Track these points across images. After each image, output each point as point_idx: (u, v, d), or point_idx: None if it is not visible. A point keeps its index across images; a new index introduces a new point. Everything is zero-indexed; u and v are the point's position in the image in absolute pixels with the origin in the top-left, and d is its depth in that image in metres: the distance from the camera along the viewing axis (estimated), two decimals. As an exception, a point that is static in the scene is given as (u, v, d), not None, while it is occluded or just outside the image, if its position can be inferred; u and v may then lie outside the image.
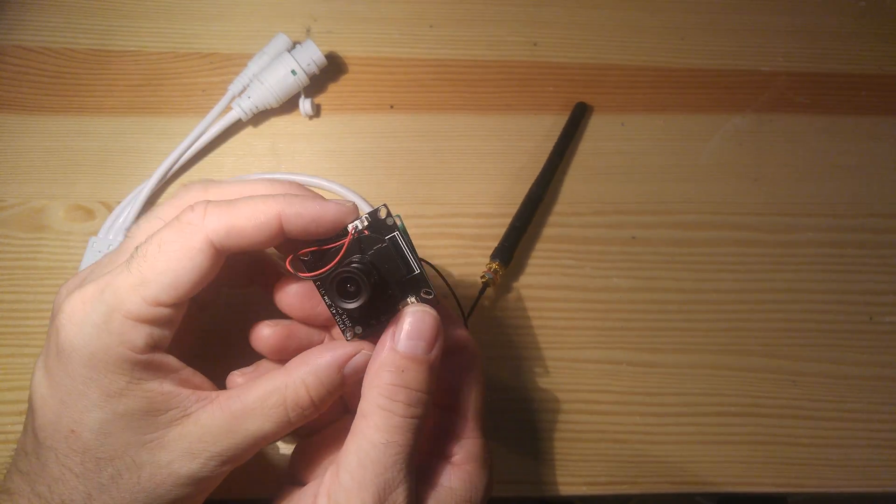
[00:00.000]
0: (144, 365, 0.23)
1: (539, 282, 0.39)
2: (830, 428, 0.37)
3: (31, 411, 0.24)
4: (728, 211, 0.41)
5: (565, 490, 0.35)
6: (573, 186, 0.41)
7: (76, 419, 0.23)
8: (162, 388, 0.23)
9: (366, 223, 0.25)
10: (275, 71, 0.39)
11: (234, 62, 0.42)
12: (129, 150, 0.40)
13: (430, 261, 0.38)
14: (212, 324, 0.36)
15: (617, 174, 0.42)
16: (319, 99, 0.42)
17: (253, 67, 0.40)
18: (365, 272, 0.24)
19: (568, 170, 0.42)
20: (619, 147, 0.42)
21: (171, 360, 0.24)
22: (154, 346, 0.23)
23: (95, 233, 0.38)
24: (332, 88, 0.43)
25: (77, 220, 0.38)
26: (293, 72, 0.39)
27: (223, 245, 0.23)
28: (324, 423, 0.29)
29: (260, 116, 0.41)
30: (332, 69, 0.42)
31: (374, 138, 0.41)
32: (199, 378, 0.25)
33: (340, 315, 0.25)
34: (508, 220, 0.39)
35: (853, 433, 0.37)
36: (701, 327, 0.39)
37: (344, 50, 0.43)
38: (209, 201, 0.24)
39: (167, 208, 0.26)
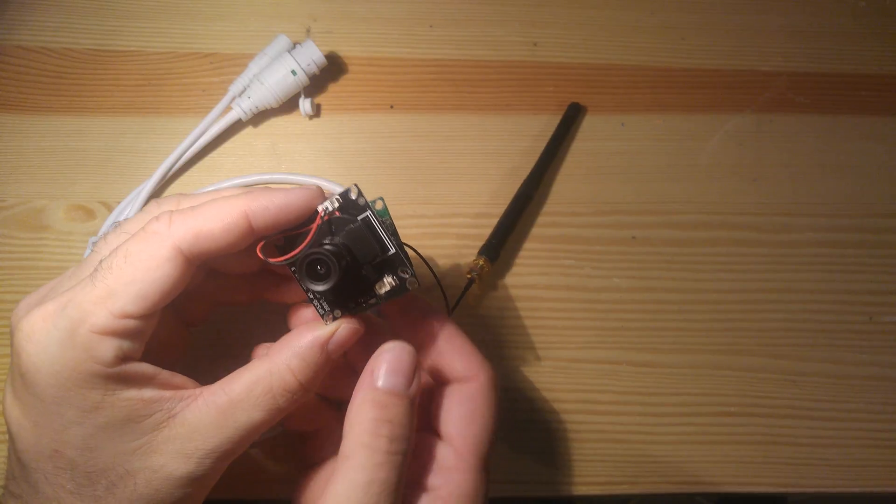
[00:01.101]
0: (117, 377, 0.22)
1: (539, 282, 0.39)
2: (830, 428, 0.37)
3: (10, 437, 0.24)
4: (728, 211, 0.41)
5: (565, 490, 0.36)
6: (573, 186, 0.41)
7: (56, 439, 0.22)
8: (141, 395, 0.23)
9: (336, 205, 0.24)
10: (275, 71, 0.39)
11: (235, 62, 0.42)
12: (130, 150, 0.40)
13: (430, 261, 0.38)
14: (216, 324, 0.36)
15: (617, 174, 0.42)
16: (319, 99, 0.42)
17: (253, 68, 0.40)
18: (335, 254, 0.23)
19: (568, 170, 0.42)
20: (618, 147, 0.42)
21: (146, 368, 0.23)
22: (125, 358, 0.23)
23: (96, 233, 0.38)
24: (332, 88, 0.43)
25: (77, 221, 0.38)
26: (293, 72, 0.39)
27: (192, 251, 0.23)
28: (326, 454, 0.29)
29: (260, 116, 0.41)
30: (332, 69, 0.42)
31: (374, 138, 0.41)
32: (179, 378, 0.25)
33: (318, 300, 0.25)
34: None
35: (853, 433, 0.37)
36: (700, 327, 0.39)
37: (344, 50, 0.43)
38: (174, 210, 0.24)
39: (134, 222, 0.25)
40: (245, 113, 0.39)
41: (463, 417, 0.27)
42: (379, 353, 0.25)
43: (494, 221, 0.40)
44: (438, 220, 0.40)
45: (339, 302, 0.25)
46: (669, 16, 0.46)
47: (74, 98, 0.41)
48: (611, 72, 0.44)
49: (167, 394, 0.23)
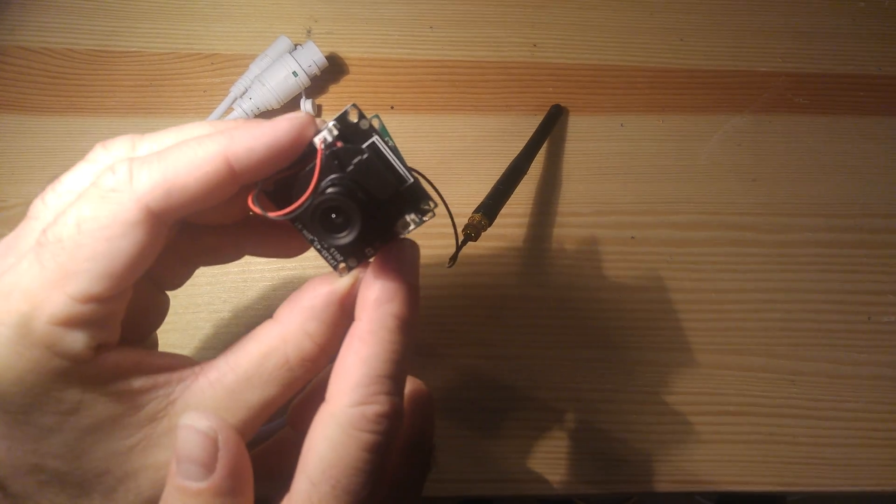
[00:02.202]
0: (94, 371, 0.19)
1: (538, 281, 0.39)
2: (829, 427, 0.37)
3: None
4: (727, 211, 0.41)
5: (565, 489, 0.36)
6: (572, 187, 0.41)
7: (34, 451, 0.19)
8: (130, 385, 0.19)
9: (335, 133, 0.20)
10: (276, 72, 0.39)
11: (236, 63, 0.42)
12: (131, 150, 0.40)
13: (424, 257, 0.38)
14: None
15: (616, 174, 0.42)
16: (320, 100, 0.42)
17: (255, 69, 0.40)
18: (349, 195, 0.19)
19: (567, 170, 0.42)
20: (618, 147, 0.43)
21: (128, 353, 0.20)
22: (99, 348, 0.19)
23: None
24: (333, 89, 0.43)
25: (79, 221, 0.39)
26: (294, 73, 0.39)
27: (164, 210, 0.19)
28: (262, 435, 0.26)
29: (261, 117, 0.41)
30: (332, 70, 0.42)
31: (375, 139, 0.42)
32: (169, 358, 0.21)
33: (329, 250, 0.21)
34: (508, 220, 0.40)
35: (851, 432, 0.37)
36: (699, 327, 0.39)
37: (345, 51, 0.43)
38: (133, 158, 0.19)
39: (78, 175, 0.20)
40: (246, 114, 0.39)
41: (299, 463, 0.20)
42: (177, 430, 0.19)
43: (495, 221, 0.40)
44: (438, 221, 0.40)
45: (352, 251, 0.21)
46: (668, 17, 0.46)
47: (76, 98, 0.41)
48: (610, 72, 0.44)
49: (160, 378, 0.20)
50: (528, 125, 0.42)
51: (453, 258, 0.32)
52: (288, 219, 0.19)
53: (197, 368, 0.21)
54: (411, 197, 0.21)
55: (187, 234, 0.23)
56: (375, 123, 0.21)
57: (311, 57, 0.39)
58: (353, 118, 0.20)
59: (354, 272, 0.21)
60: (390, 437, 0.20)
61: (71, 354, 0.18)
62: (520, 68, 0.44)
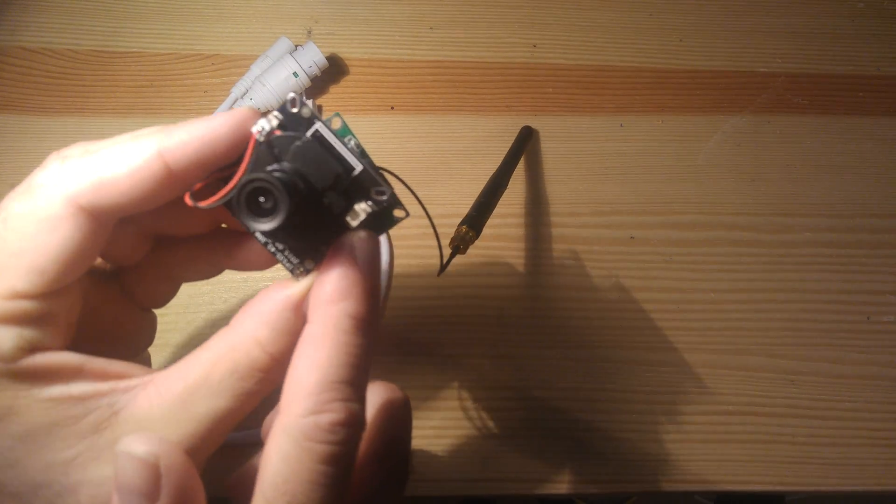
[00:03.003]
0: (26, 373, 0.18)
1: (538, 282, 0.39)
2: (828, 427, 0.37)
3: None
4: (726, 211, 0.41)
5: (565, 488, 0.36)
6: (572, 187, 0.41)
7: None
8: (69, 390, 0.18)
9: (275, 122, 0.19)
10: (276, 73, 0.39)
11: (237, 63, 0.42)
12: (132, 150, 0.40)
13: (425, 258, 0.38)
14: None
15: (615, 174, 0.42)
16: (321, 100, 0.42)
17: (255, 70, 0.40)
18: (282, 180, 0.18)
19: (567, 170, 0.42)
20: (617, 148, 0.43)
21: (67, 357, 0.19)
22: (31, 349, 0.18)
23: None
24: (334, 90, 0.43)
25: (79, 221, 0.39)
26: (295, 74, 0.39)
27: (96, 205, 0.18)
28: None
29: (261, 117, 0.41)
30: (333, 71, 0.42)
31: (375, 139, 0.42)
32: (118, 366, 0.19)
33: (282, 252, 0.20)
34: (508, 220, 0.40)
35: (851, 432, 0.37)
36: (699, 326, 0.39)
37: (345, 51, 0.43)
38: (66, 154, 0.19)
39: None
40: (246, 114, 0.39)
41: (259, 481, 0.19)
42: (115, 458, 0.18)
43: (495, 221, 0.40)
44: (438, 221, 0.40)
45: (309, 250, 0.20)
46: (668, 17, 0.46)
47: (76, 99, 0.41)
48: (610, 73, 0.44)
49: (104, 386, 0.19)
50: (528, 125, 0.43)
51: (442, 268, 0.31)
52: (217, 206, 0.18)
53: (147, 378, 0.19)
54: (363, 186, 0.20)
55: (162, 247, 0.23)
56: (337, 123, 0.20)
57: (312, 57, 0.39)
58: (294, 108, 0.19)
59: (312, 275, 0.20)
60: (350, 446, 0.18)
61: None
62: (520, 68, 0.44)
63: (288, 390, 0.18)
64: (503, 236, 0.40)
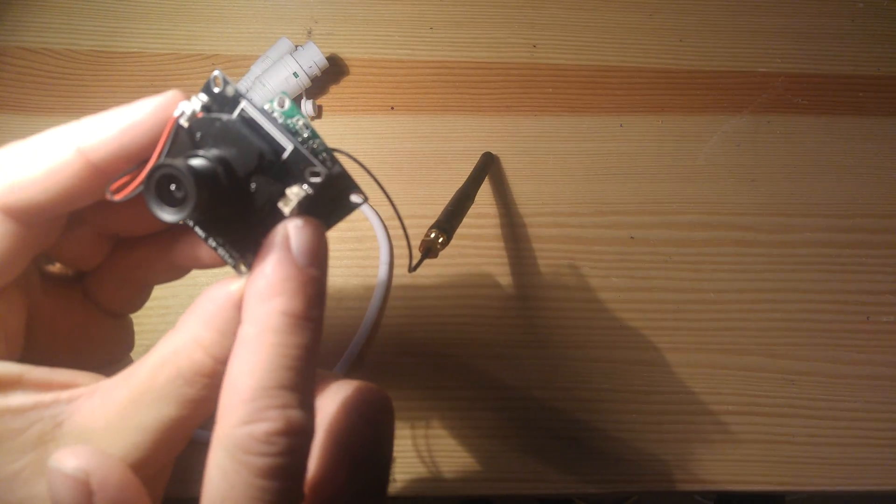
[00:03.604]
0: None
1: (538, 282, 0.39)
2: (827, 426, 0.37)
3: None
4: (726, 211, 0.41)
5: (565, 488, 0.36)
6: (572, 187, 0.41)
7: None
8: (7, 402, 0.17)
9: (199, 105, 0.17)
10: (277, 73, 0.39)
11: (237, 63, 0.42)
12: (132, 150, 0.40)
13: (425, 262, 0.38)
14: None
15: (615, 175, 0.42)
16: (321, 100, 0.42)
17: (256, 71, 0.40)
18: (194, 167, 0.16)
19: (567, 170, 0.42)
20: (617, 148, 0.43)
21: (6, 367, 0.18)
22: None
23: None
24: (334, 90, 0.43)
25: (80, 221, 0.39)
26: (295, 74, 0.39)
27: (12, 206, 0.17)
28: None
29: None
30: (333, 71, 0.42)
31: (375, 139, 0.42)
32: (63, 374, 0.18)
33: (222, 245, 0.18)
34: (507, 220, 0.40)
35: (850, 432, 0.37)
36: (698, 326, 0.39)
37: (345, 52, 0.44)
38: None
39: None
40: (246, 114, 0.39)
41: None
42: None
43: (495, 221, 0.40)
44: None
45: (249, 243, 0.18)
46: (668, 18, 0.46)
47: (76, 99, 0.41)
48: (609, 73, 0.45)
49: (46, 397, 0.17)
50: (528, 125, 0.43)
51: (414, 266, 0.29)
52: (127, 199, 0.17)
53: (94, 386, 0.18)
54: (297, 168, 0.17)
55: (122, 248, 0.22)
56: (285, 104, 0.18)
57: (312, 58, 0.39)
58: (217, 87, 0.17)
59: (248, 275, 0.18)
60: (294, 457, 0.16)
61: None
62: (520, 69, 0.44)
63: (223, 399, 0.17)
64: (503, 236, 0.40)
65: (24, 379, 0.18)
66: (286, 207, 0.17)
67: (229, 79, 0.17)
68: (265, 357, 0.16)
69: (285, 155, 0.17)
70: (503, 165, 0.42)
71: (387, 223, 0.40)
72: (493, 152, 0.42)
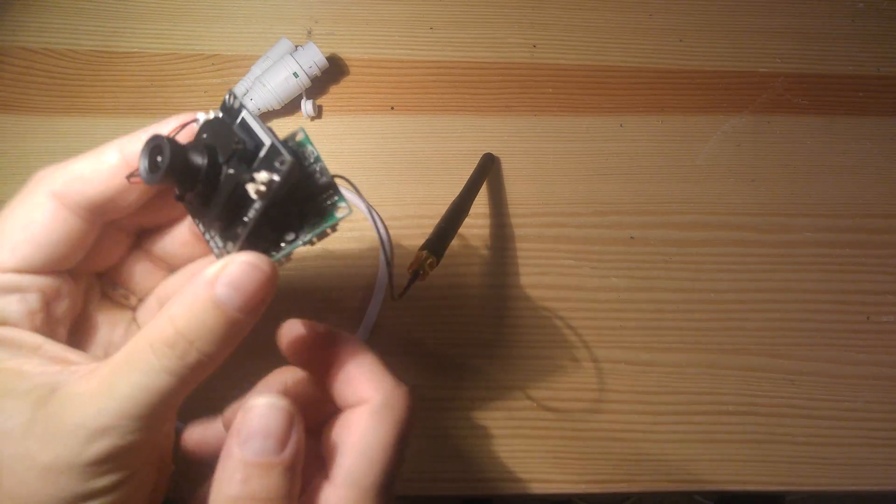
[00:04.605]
0: None
1: (538, 282, 0.39)
2: (828, 427, 0.37)
3: None
4: (726, 211, 0.41)
5: (564, 488, 0.36)
6: (572, 187, 0.41)
7: None
8: (21, 364, 0.20)
9: (212, 115, 0.21)
10: (277, 73, 0.39)
11: (237, 63, 0.42)
12: (132, 150, 0.40)
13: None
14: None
15: (615, 174, 0.42)
16: (321, 100, 0.42)
17: (256, 71, 0.40)
18: (174, 142, 0.19)
19: (567, 170, 0.42)
20: (617, 148, 0.43)
21: (28, 336, 0.20)
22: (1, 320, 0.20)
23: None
24: (334, 90, 0.43)
25: (80, 221, 0.39)
26: (295, 74, 0.39)
27: (67, 195, 0.21)
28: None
29: (263, 118, 0.41)
30: (333, 71, 0.42)
31: (376, 139, 0.42)
32: (75, 354, 0.21)
33: (210, 235, 0.21)
34: (507, 220, 0.40)
35: (850, 432, 0.37)
36: (699, 327, 0.39)
37: (345, 52, 0.44)
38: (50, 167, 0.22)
39: None
40: (247, 114, 0.39)
41: (344, 453, 0.22)
42: (243, 412, 0.20)
43: (495, 221, 0.40)
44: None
45: (230, 234, 0.21)
46: (668, 18, 0.46)
47: (76, 99, 0.41)
48: (609, 73, 0.45)
49: (54, 368, 0.20)
50: (528, 126, 0.43)
51: (401, 294, 0.29)
52: (134, 177, 0.21)
53: (94, 364, 0.20)
54: (270, 160, 0.19)
55: (139, 248, 0.26)
56: (299, 136, 0.21)
57: (312, 58, 0.39)
58: (230, 101, 0.21)
59: (225, 258, 0.19)
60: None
61: None
62: (520, 69, 0.44)
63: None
64: (503, 236, 0.40)
65: (43, 349, 0.20)
66: (253, 190, 0.19)
67: (238, 96, 0.21)
68: (369, 356, 0.23)
69: (263, 151, 0.19)
70: (503, 165, 0.42)
71: (387, 223, 0.40)
72: (494, 153, 0.42)
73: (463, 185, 0.36)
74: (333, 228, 0.21)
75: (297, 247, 0.21)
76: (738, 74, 0.45)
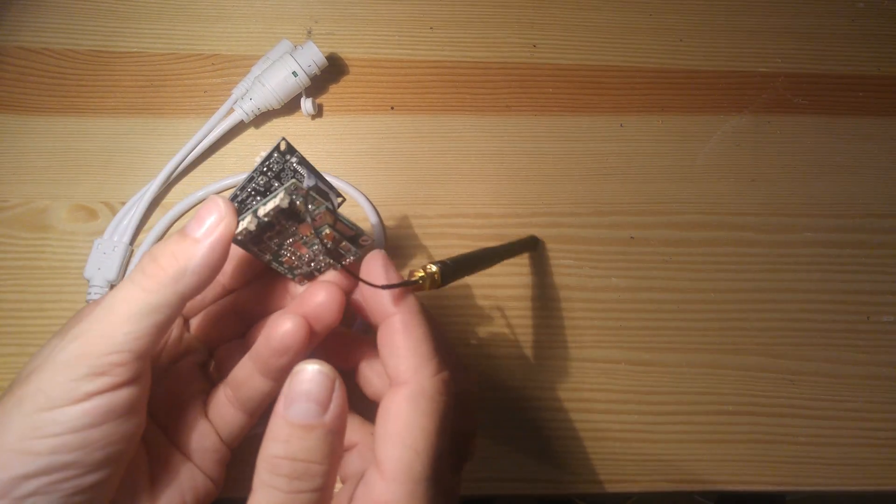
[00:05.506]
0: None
1: (537, 281, 0.39)
2: (828, 427, 0.37)
3: None
4: (726, 211, 0.41)
5: (564, 488, 0.36)
6: (572, 187, 0.41)
7: None
8: None
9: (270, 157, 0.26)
10: (276, 72, 0.39)
11: (237, 63, 0.42)
12: (132, 150, 0.40)
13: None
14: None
15: (615, 175, 0.42)
16: (321, 100, 0.42)
17: (256, 71, 0.40)
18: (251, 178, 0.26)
19: (567, 170, 0.42)
20: (617, 148, 0.43)
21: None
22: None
23: (98, 233, 0.38)
24: (334, 90, 0.43)
25: (80, 221, 0.39)
26: (294, 73, 0.39)
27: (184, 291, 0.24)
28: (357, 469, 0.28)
29: (262, 118, 0.41)
30: (333, 70, 0.42)
31: (375, 139, 0.42)
32: None
33: (274, 262, 0.28)
34: (508, 220, 0.40)
35: (851, 432, 0.37)
36: (699, 327, 0.39)
37: (345, 51, 0.43)
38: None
39: None
40: (247, 114, 0.39)
41: (386, 434, 0.22)
42: (291, 375, 0.21)
43: (495, 222, 0.40)
44: (439, 221, 0.40)
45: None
46: (668, 17, 0.46)
47: (76, 99, 0.41)
48: (609, 73, 0.44)
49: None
50: (528, 126, 0.43)
51: (388, 286, 0.26)
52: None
53: None
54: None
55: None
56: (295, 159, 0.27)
57: (311, 57, 0.39)
58: (282, 148, 0.26)
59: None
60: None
61: None
62: (520, 68, 0.44)
63: (395, 364, 0.23)
64: (503, 236, 0.40)
65: None
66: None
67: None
68: (420, 334, 0.23)
69: (304, 183, 0.27)
70: (504, 166, 0.42)
71: (386, 223, 0.40)
72: (494, 152, 0.42)
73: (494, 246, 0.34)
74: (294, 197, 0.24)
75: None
76: (738, 74, 0.45)
